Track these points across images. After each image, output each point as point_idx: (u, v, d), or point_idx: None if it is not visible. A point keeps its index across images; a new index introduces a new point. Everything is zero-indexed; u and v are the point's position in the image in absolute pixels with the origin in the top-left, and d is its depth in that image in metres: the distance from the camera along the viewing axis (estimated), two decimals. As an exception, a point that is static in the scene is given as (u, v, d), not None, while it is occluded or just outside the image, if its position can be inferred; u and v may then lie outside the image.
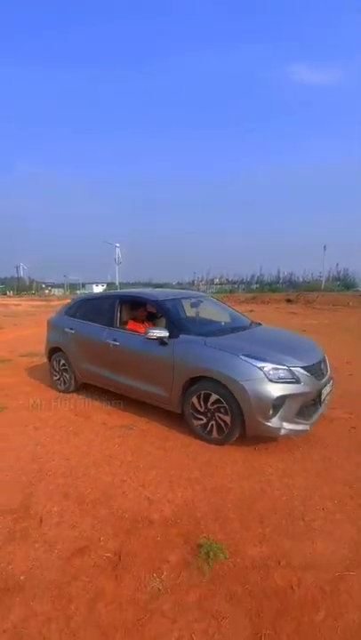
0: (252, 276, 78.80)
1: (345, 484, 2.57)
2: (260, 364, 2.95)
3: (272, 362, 2.98)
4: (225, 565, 1.84)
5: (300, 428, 3.00)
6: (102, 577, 1.78)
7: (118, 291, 5.80)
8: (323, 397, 3.23)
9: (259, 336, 3.85)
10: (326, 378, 3.39)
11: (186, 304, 4.42)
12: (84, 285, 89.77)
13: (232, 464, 2.86)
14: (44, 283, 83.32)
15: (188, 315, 4.39)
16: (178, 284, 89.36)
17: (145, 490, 2.52)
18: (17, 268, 76.74)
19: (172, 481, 2.63)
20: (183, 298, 4.43)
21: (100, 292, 5.59)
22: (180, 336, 3.47)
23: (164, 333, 3.48)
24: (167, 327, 3.58)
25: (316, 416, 3.15)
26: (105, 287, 79.40)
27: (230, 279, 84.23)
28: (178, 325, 3.60)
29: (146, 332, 3.54)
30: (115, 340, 3.98)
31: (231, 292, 55.75)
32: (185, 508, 2.32)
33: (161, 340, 3.50)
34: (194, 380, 3.26)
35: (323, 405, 3.31)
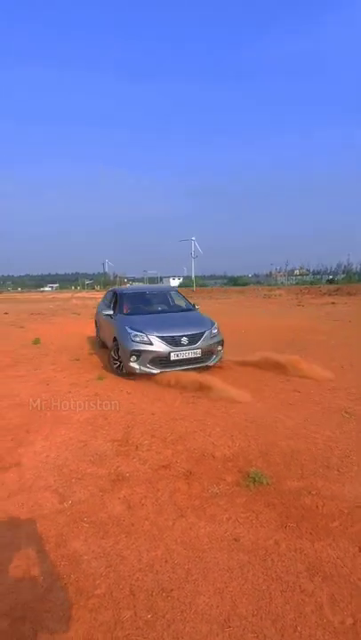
0: (338, 266, 72.68)
1: (385, 452, 2.93)
2: (130, 331, 5.02)
3: (138, 330, 5.01)
4: (267, 488, 2.49)
5: (149, 371, 4.89)
6: (179, 481, 2.59)
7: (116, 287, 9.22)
8: (172, 358, 4.91)
9: (163, 317, 5.87)
10: (184, 347, 4.96)
11: (148, 294, 6.97)
12: (161, 279, 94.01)
13: (284, 429, 3.42)
14: (126, 277, 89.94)
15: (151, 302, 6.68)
16: (254, 275, 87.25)
17: (210, 438, 3.27)
18: (103, 264, 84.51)
19: (232, 435, 3.33)
20: (146, 291, 7.18)
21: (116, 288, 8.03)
22: (117, 314, 5.87)
23: (111, 312, 5.97)
24: (113, 308, 6.06)
25: (169, 369, 4.90)
26: (180, 280, 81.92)
27: (312, 269, 79.09)
28: (118, 308, 6.03)
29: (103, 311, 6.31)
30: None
31: (312, 283, 52.61)
32: (241, 452, 3.00)
33: (111, 316, 5.94)
34: (115, 338, 5.43)
35: (184, 363, 5.01)
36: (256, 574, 1.80)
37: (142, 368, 4.85)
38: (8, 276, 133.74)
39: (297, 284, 57.26)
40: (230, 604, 1.64)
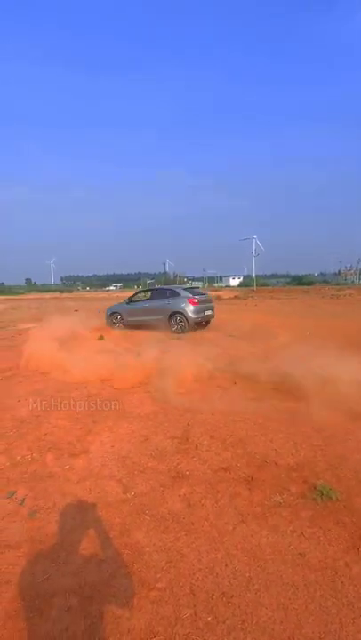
0: None
1: None
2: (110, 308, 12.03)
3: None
4: (336, 504, 2.30)
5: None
6: (239, 486, 2.54)
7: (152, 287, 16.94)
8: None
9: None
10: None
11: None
12: (221, 278, 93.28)
13: (357, 442, 3.14)
14: (186, 277, 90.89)
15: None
16: (320, 274, 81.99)
17: (273, 444, 3.14)
18: (164, 264, 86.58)
19: (296, 443, 3.15)
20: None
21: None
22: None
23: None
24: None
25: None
26: (240, 280, 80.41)
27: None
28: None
29: None
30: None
31: (388, 282, 47.56)
32: (306, 462, 2.83)
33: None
34: None
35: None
36: (324, 595, 1.67)
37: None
38: (78, 276, 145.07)
39: (370, 283, 52.31)
40: (295, 621, 1.55)
